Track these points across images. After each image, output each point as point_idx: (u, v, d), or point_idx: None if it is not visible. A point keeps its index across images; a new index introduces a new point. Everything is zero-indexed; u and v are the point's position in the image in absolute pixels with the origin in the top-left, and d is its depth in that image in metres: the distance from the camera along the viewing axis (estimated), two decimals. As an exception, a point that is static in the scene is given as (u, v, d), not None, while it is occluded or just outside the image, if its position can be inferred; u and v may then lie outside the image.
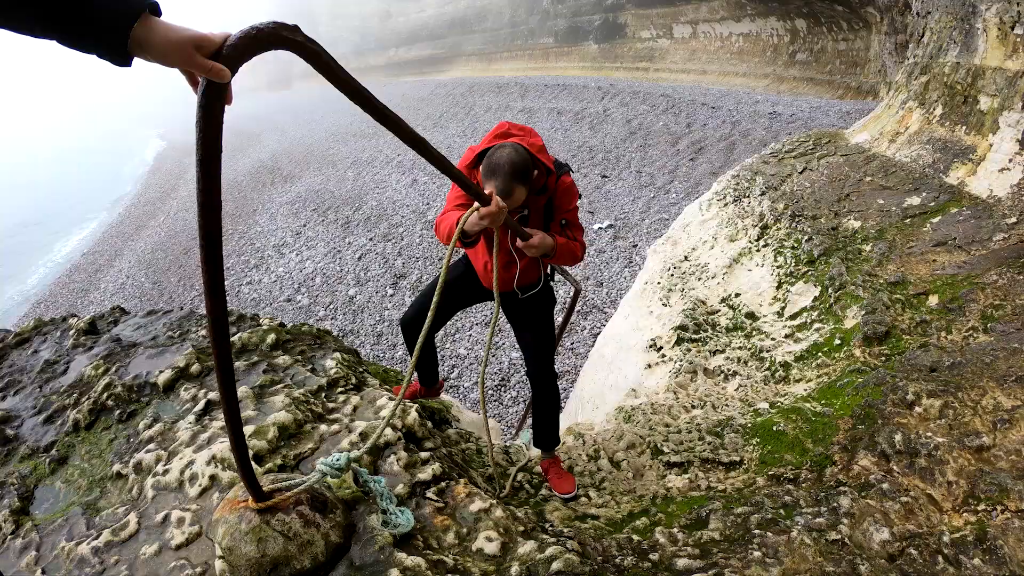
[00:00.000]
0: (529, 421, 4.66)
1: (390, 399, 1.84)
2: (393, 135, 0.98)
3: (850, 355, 2.38)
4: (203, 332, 2.23)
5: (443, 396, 3.19)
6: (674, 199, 9.12)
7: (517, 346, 6.01)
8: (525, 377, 5.63)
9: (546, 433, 2.07)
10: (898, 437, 1.73)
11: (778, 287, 3.12)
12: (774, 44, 14.46)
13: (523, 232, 1.62)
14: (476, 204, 1.45)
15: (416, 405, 1.83)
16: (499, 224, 1.47)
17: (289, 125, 24.15)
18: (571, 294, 2.81)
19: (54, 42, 0.63)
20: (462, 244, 1.64)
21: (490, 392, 5.60)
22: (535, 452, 2.43)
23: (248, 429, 1.55)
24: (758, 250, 3.44)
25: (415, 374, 2.29)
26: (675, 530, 1.58)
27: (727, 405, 2.48)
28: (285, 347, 2.12)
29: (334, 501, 1.27)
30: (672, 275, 3.72)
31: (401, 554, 1.19)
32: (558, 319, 5.51)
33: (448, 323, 6.84)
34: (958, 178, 2.96)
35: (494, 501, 1.44)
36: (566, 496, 1.95)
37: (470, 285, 1.95)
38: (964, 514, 1.47)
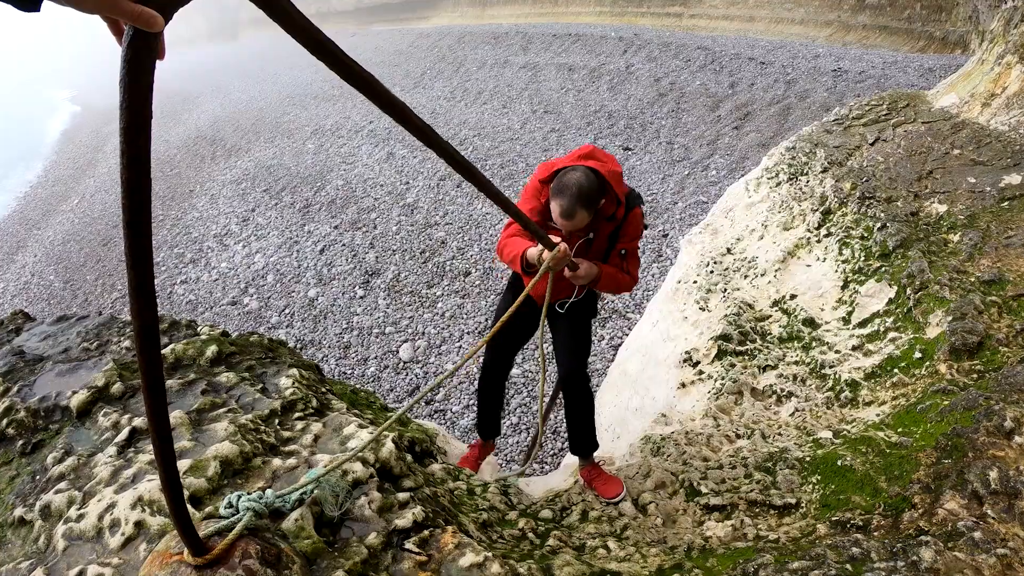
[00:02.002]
0: (535, 452, 4.67)
1: (360, 426, 1.84)
2: (367, 99, 0.98)
3: (934, 371, 2.38)
4: (127, 343, 2.23)
5: (427, 423, 3.20)
6: (714, 177, 9.11)
7: (517, 363, 6.05)
8: (527, 400, 5.64)
9: (584, 439, 2.54)
10: (993, 474, 1.73)
11: (844, 287, 3.12)
12: (839, -16, 14.47)
13: (571, 262, 2.02)
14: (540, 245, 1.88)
15: (393, 434, 1.84)
16: (561, 267, 1.91)
17: (234, 85, 24.13)
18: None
19: None
20: (524, 273, 2.14)
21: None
22: (537, 491, 2.43)
23: (183, 464, 1.55)
24: (819, 241, 3.44)
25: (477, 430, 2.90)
26: (715, 590, 1.58)
27: (780, 434, 2.48)
28: (229, 362, 2.12)
29: (291, 554, 1.27)
30: (712, 272, 3.72)
31: (374, 619, 1.19)
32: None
33: (433, 332, 6.88)
34: (1068, 151, 2.96)
35: (490, 554, 1.44)
36: (614, 499, 2.36)
37: (521, 309, 2.38)
38: (1076, 570, 1.47)
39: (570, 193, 1.93)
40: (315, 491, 1.44)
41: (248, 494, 1.32)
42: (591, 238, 2.15)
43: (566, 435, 5.15)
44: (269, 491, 1.38)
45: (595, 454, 2.68)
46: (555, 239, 1.90)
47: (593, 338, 6.33)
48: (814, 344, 2.96)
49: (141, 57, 0.68)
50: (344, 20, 36.60)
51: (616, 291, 2.21)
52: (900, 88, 6.17)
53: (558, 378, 2.60)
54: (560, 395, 2.85)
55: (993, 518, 1.65)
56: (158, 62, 0.71)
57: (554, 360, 2.58)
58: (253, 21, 43.72)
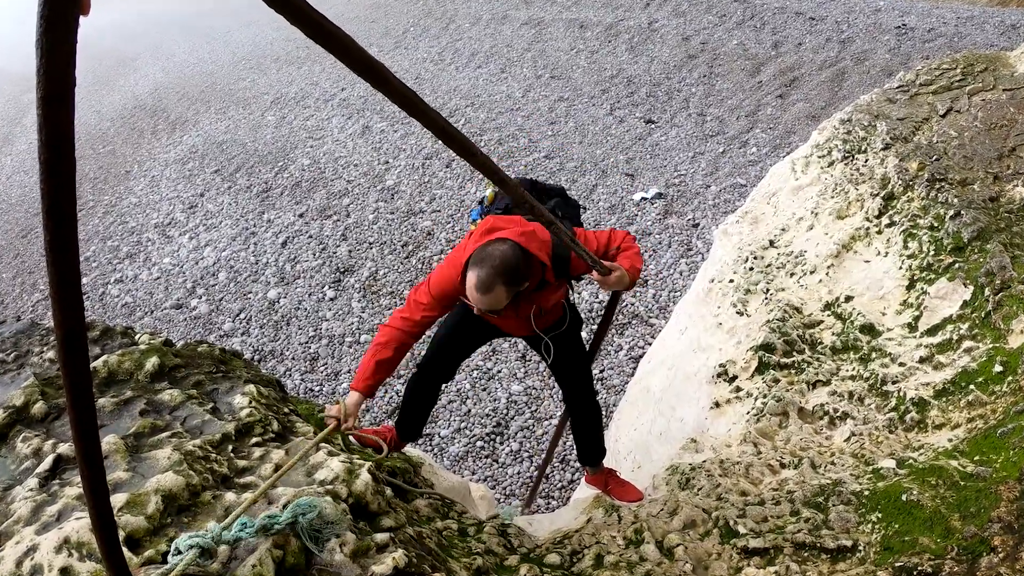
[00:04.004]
0: (541, 487, 4.69)
1: (331, 453, 1.84)
2: (338, 62, 0.98)
3: (1017, 388, 2.38)
4: (50, 354, 2.23)
5: (412, 450, 3.22)
6: (754, 155, 9.12)
7: (518, 377, 6.07)
8: (530, 422, 5.66)
9: (593, 450, 2.92)
10: (1089, 511, 1.72)
11: (909, 287, 3.12)
12: (903, -76, 14.46)
13: (602, 266, 2.20)
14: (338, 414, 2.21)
15: (370, 464, 1.84)
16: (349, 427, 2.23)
17: (179, 45, 24.10)
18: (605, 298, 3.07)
19: None
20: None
21: (479, 443, 5.61)
22: (543, 530, 2.44)
23: (118, 499, 1.55)
24: (879, 231, 3.44)
25: (395, 420, 3.00)
26: (756, 650, 1.58)
27: (833, 463, 2.48)
28: (173, 377, 2.12)
29: (246, 607, 1.27)
30: (751, 269, 3.72)
31: None
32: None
33: (421, 343, 6.88)
34: None
35: (485, 607, 1.44)
36: (633, 503, 2.63)
37: (485, 327, 2.67)
38: None
39: (490, 264, 2.02)
40: (289, 517, 1.44)
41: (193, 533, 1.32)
42: (538, 310, 2.43)
43: (575, 462, 5.22)
44: (213, 523, 1.38)
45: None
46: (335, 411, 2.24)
47: (609, 347, 6.35)
48: (874, 355, 2.95)
49: (62, 11, 0.68)
50: (311, -33, 36.44)
51: (638, 274, 2.37)
52: (977, 49, 6.16)
53: (564, 398, 2.90)
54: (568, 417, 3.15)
55: (1089, 564, 1.64)
56: (82, 17, 0.70)
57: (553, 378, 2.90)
58: (202, -32, 43.65)
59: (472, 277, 2.06)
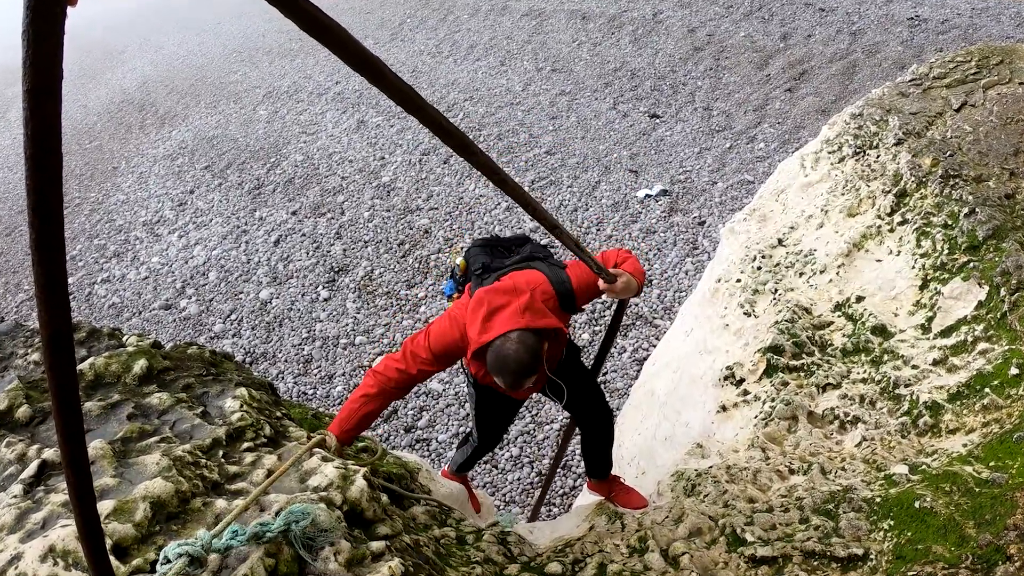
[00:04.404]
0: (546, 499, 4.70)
1: (325, 459, 1.84)
2: (332, 55, 0.98)
3: (1034, 392, 2.38)
4: (35, 356, 2.23)
5: (406, 455, 3.23)
6: (762, 151, 9.12)
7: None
8: (531, 427, 5.66)
9: (602, 465, 2.94)
10: (1108, 518, 1.72)
11: (922, 287, 3.12)
12: (916, -88, 14.46)
13: (608, 274, 2.24)
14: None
15: (365, 470, 1.83)
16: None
17: (168, 37, 24.13)
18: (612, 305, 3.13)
19: None
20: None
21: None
22: (543, 538, 2.43)
23: (105, 506, 1.55)
24: (892, 229, 3.44)
25: (457, 470, 3.51)
26: (764, 662, 1.58)
27: (844, 469, 2.48)
28: (162, 379, 2.12)
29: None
30: (759, 268, 3.73)
31: None
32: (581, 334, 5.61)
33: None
34: None
35: (484, 617, 1.44)
36: (643, 510, 2.68)
37: (505, 401, 2.84)
38: None
39: (510, 371, 2.10)
40: (282, 525, 1.44)
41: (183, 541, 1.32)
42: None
43: (579, 469, 5.21)
44: (203, 531, 1.38)
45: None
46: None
47: (613, 349, 6.34)
48: (886, 357, 2.95)
49: (49, 1, 0.68)
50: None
51: (644, 279, 2.45)
52: (992, 41, 6.16)
53: (588, 430, 2.87)
54: (576, 430, 3.18)
55: (1108, 573, 1.64)
56: (70, 8, 0.70)
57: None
58: (192, -42, 43.67)
59: (501, 382, 2.15)
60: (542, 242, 3.00)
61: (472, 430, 3.20)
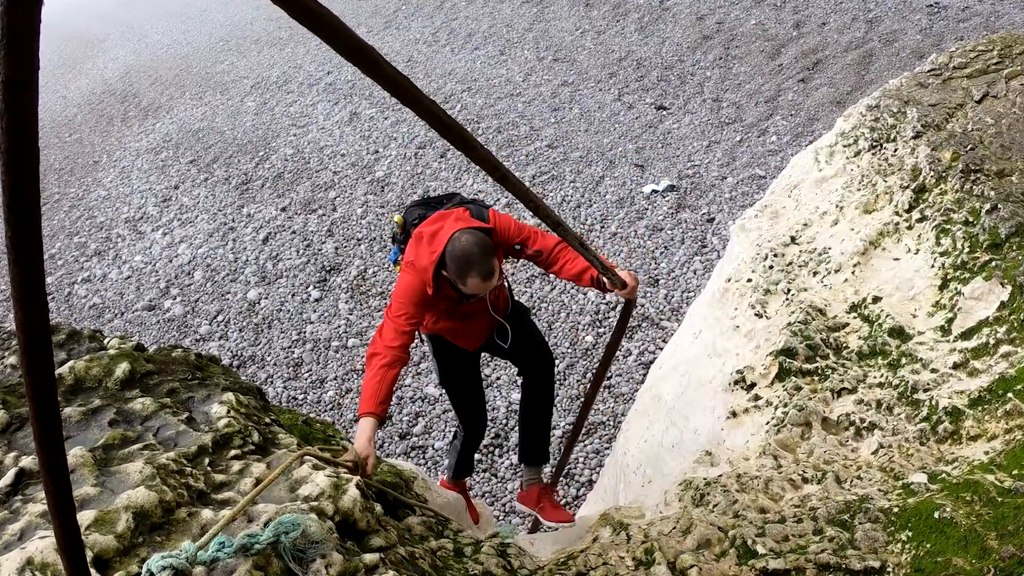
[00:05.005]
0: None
1: (316, 467, 1.84)
2: (324, 44, 0.98)
3: (1059, 397, 2.38)
4: (12, 359, 2.22)
5: (403, 463, 3.24)
6: (774, 144, 9.12)
7: (518, 385, 6.09)
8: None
9: (540, 446, 3.21)
10: None
11: (942, 287, 3.12)
12: None
13: (615, 275, 2.59)
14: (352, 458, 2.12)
15: (357, 479, 1.83)
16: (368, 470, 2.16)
17: (152, 25, 24.15)
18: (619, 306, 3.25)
19: None
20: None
21: (476, 455, 5.60)
22: (545, 550, 2.44)
23: (85, 516, 1.55)
24: (910, 227, 3.44)
25: (453, 475, 3.65)
26: None
27: (860, 477, 2.48)
28: (145, 384, 2.12)
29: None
30: (771, 268, 3.73)
31: None
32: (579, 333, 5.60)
33: (413, 347, 6.87)
34: None
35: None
36: (566, 524, 2.92)
37: (462, 356, 3.14)
38: None
39: (474, 259, 2.38)
40: (271, 536, 1.44)
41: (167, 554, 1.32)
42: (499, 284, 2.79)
43: (582, 478, 5.22)
44: (188, 543, 1.38)
45: (618, 500, 2.90)
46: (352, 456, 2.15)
47: (618, 352, 6.34)
48: (904, 361, 2.95)
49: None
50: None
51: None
52: (1015, 29, 6.15)
53: (532, 378, 3.17)
54: (578, 437, 3.37)
55: None
56: (49, -5, 0.71)
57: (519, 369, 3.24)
58: (176, -58, 43.66)
59: (472, 279, 2.41)
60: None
61: (457, 425, 3.44)
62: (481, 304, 2.81)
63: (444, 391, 3.34)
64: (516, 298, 3.23)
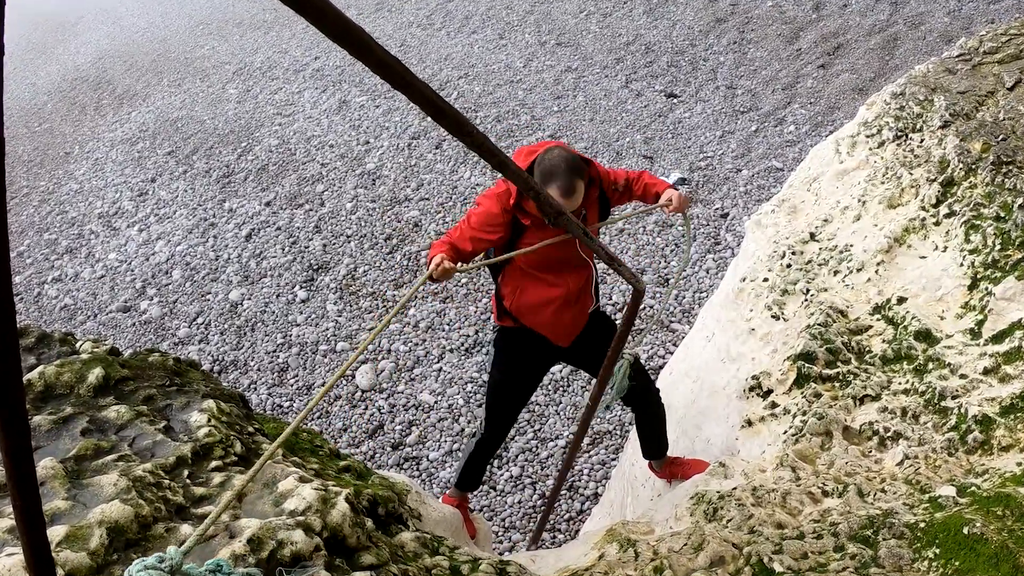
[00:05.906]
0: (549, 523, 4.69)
1: (303, 479, 1.84)
2: (311, 27, 0.97)
3: (1097, 404, 2.38)
4: (-22, 364, 2.22)
5: (394, 475, 3.24)
6: (792, 135, 9.12)
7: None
8: (533, 443, 5.66)
9: (659, 445, 3.46)
10: None
11: (972, 287, 3.12)
12: None
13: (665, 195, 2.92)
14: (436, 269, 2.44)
15: (347, 492, 1.83)
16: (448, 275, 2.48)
17: (127, 7, 24.15)
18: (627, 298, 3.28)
19: None
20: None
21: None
22: (548, 568, 2.43)
23: (56, 532, 1.55)
24: (937, 222, 3.44)
25: (458, 482, 3.66)
26: None
27: (884, 491, 2.48)
28: (120, 390, 2.12)
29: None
30: (789, 266, 3.73)
31: None
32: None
33: (404, 349, 6.89)
34: None
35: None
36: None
37: (535, 356, 3.23)
38: None
39: (562, 170, 2.49)
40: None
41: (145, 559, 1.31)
42: (584, 213, 2.78)
43: (587, 490, 5.22)
44: (172, 548, 1.37)
45: (626, 515, 2.95)
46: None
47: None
48: (931, 366, 2.95)
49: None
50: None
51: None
52: (1049, 11, 6.14)
53: (627, 400, 3.31)
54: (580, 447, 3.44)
55: None
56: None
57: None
58: (153, -82, 43.68)
59: (554, 190, 2.46)
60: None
61: (480, 422, 3.42)
62: (571, 248, 2.78)
63: (486, 382, 3.40)
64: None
